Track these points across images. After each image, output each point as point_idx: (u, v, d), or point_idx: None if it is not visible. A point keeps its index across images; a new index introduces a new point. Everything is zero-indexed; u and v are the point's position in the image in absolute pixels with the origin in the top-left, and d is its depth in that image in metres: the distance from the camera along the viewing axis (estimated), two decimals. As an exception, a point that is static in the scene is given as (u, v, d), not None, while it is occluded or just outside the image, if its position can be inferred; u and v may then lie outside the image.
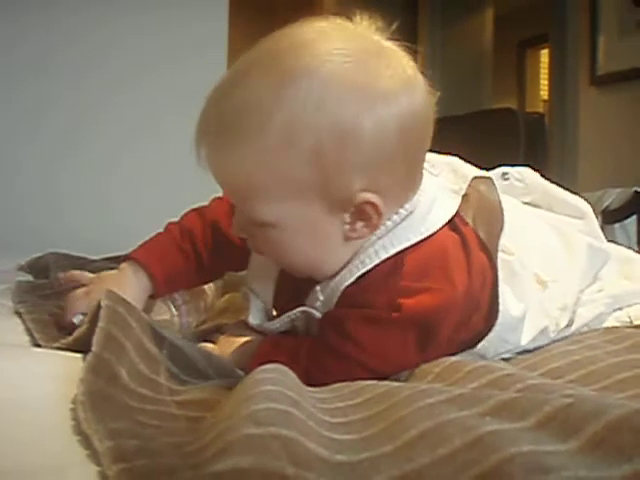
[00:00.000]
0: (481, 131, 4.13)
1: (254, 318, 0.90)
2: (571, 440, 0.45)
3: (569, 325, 0.95)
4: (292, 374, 0.63)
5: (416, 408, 0.54)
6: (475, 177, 0.90)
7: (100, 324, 0.65)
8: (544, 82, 5.68)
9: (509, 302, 0.86)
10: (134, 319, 0.68)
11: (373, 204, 0.75)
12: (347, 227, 0.77)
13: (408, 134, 0.75)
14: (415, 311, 0.78)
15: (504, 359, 0.88)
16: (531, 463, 0.40)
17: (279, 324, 0.87)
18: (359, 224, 0.77)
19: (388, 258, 0.79)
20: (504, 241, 0.87)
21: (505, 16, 5.39)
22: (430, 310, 0.78)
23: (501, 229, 0.87)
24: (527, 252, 0.92)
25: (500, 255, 0.86)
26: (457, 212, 0.86)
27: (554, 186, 1.09)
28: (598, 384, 0.72)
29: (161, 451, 0.44)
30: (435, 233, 0.81)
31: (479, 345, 0.85)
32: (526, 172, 1.08)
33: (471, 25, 5.35)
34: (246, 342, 0.87)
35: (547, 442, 0.45)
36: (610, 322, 1.02)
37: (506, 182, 1.05)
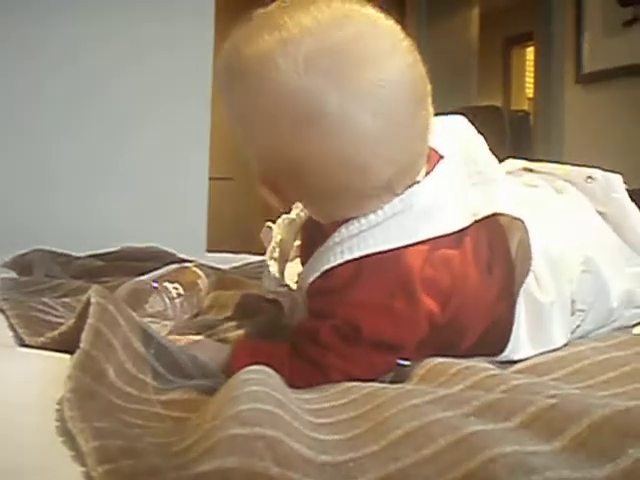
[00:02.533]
0: (467, 129, 4.13)
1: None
2: (555, 440, 0.45)
3: None
4: (277, 375, 0.63)
5: (401, 409, 0.54)
6: (499, 214, 0.83)
7: (89, 321, 0.64)
8: (529, 80, 5.70)
9: (521, 346, 0.83)
10: (123, 317, 0.68)
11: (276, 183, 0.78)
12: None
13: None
14: (375, 336, 0.76)
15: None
16: (515, 463, 0.41)
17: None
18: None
19: (352, 260, 0.77)
20: (545, 274, 0.85)
21: (490, 14, 5.40)
22: (389, 335, 0.77)
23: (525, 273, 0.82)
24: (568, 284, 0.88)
25: (531, 291, 0.83)
26: (465, 234, 0.81)
27: (636, 215, 1.00)
28: (583, 383, 0.72)
29: (146, 452, 0.44)
30: (408, 246, 0.77)
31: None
32: (614, 182, 1.01)
33: (457, 23, 5.36)
34: (222, 347, 0.84)
35: (531, 442, 0.45)
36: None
37: (589, 185, 1.01)
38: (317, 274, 0.80)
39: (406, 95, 0.75)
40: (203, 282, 1.11)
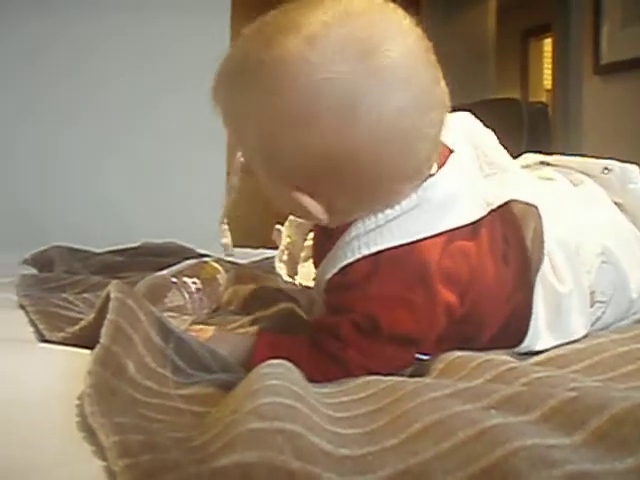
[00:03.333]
0: (484, 121, 4.11)
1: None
2: (575, 433, 0.45)
3: None
4: (296, 369, 0.63)
5: (420, 402, 0.54)
6: (513, 200, 0.84)
7: (109, 316, 0.65)
8: (547, 72, 5.66)
9: (541, 336, 0.84)
10: (143, 312, 0.68)
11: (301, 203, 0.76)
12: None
13: (347, 155, 0.72)
14: (394, 329, 0.77)
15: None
16: (536, 457, 0.40)
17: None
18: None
19: (369, 255, 0.78)
20: (562, 265, 0.85)
21: (508, 6, 5.37)
22: (408, 328, 0.77)
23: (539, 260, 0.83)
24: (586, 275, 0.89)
25: (550, 281, 0.84)
26: (480, 225, 0.82)
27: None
28: (603, 375, 0.72)
29: (166, 446, 0.44)
30: (424, 239, 0.78)
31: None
32: (631, 173, 1.01)
33: (474, 15, 5.33)
34: (240, 341, 0.84)
35: (551, 435, 0.45)
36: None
37: (605, 176, 1.01)
38: (335, 270, 0.80)
39: (424, 69, 0.76)
40: (222, 277, 1.12)
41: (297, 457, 0.41)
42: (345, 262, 0.79)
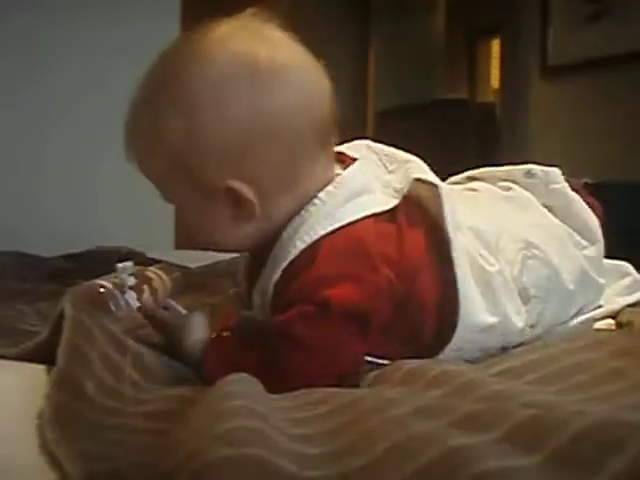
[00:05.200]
0: (433, 121, 4.16)
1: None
2: (536, 453, 0.46)
3: None
4: (256, 382, 0.64)
5: (383, 419, 0.54)
6: (417, 179, 0.89)
7: (65, 335, 0.64)
8: (495, 72, 5.73)
9: (478, 312, 0.87)
10: (98, 328, 0.68)
11: (238, 190, 0.81)
12: (229, 213, 0.83)
13: (273, 128, 0.81)
14: (343, 303, 0.78)
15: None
16: (500, 480, 0.41)
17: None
18: (241, 211, 0.82)
19: (306, 248, 0.81)
20: (485, 252, 0.89)
21: (456, 6, 5.41)
22: (356, 300, 0.79)
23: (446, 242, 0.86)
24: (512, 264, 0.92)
25: (479, 262, 0.88)
26: (397, 210, 0.87)
27: (577, 199, 1.05)
28: (556, 386, 0.73)
29: (133, 476, 0.44)
30: (355, 222, 0.82)
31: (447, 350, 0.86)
32: (554, 175, 1.06)
33: (423, 15, 5.37)
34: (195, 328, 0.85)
35: (513, 455, 0.46)
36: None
37: (529, 180, 1.06)
38: (278, 272, 0.82)
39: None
40: (159, 283, 1.11)
41: (267, 486, 0.41)
42: (286, 262, 0.82)
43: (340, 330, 0.79)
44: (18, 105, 2.16)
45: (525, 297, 0.92)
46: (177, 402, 0.64)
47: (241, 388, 0.59)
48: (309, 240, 0.81)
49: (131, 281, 0.96)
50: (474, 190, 1.06)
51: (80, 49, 2.25)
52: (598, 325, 1.01)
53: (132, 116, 0.85)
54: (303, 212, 0.83)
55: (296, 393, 0.70)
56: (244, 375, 0.65)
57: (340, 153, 0.92)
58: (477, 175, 1.11)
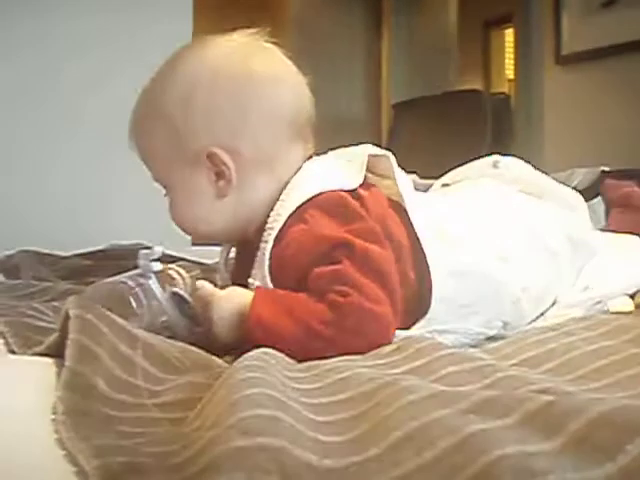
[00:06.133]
0: (448, 113, 4.14)
1: None
2: (555, 438, 0.45)
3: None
4: (274, 362, 0.64)
5: (399, 407, 0.54)
6: (372, 155, 0.95)
7: (71, 336, 0.64)
8: (509, 62, 5.70)
9: (441, 255, 0.90)
10: (105, 324, 0.68)
11: (219, 155, 0.89)
12: (210, 184, 0.91)
13: (261, 109, 0.92)
14: (364, 247, 0.84)
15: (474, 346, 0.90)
16: (518, 466, 0.41)
17: None
18: (221, 182, 0.91)
19: (293, 213, 0.87)
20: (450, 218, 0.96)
21: (469, -4, 5.40)
22: (373, 242, 0.85)
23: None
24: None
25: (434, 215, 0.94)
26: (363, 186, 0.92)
27: (544, 177, 1.12)
28: (574, 373, 0.73)
29: (149, 466, 0.44)
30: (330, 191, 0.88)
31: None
32: (516, 162, 1.14)
33: (435, 7, 5.35)
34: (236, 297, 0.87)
35: (531, 441, 0.45)
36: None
37: (496, 170, 1.11)
38: (271, 243, 0.86)
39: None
40: (178, 271, 1.11)
41: (283, 475, 0.41)
42: (276, 232, 0.87)
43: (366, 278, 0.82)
44: (33, 105, 2.17)
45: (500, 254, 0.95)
46: (192, 390, 0.64)
47: (258, 374, 0.59)
48: (293, 207, 0.87)
49: (157, 267, 0.92)
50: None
51: (91, 51, 2.25)
52: (615, 305, 1.02)
53: (139, 98, 0.96)
54: (283, 197, 0.90)
55: (313, 373, 0.70)
56: (262, 356, 0.65)
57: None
58: (449, 181, 1.17)
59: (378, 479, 0.43)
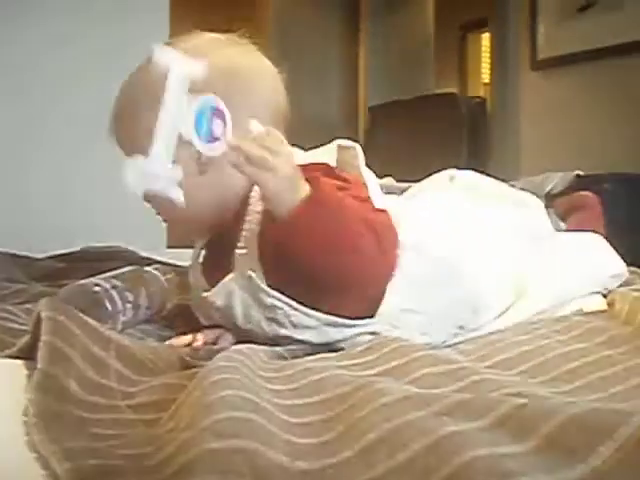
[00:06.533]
0: (424, 116, 4.16)
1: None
2: (527, 440, 0.46)
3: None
4: (249, 362, 0.64)
5: (373, 409, 0.54)
6: (340, 146, 0.98)
7: (43, 337, 0.64)
8: (486, 66, 5.73)
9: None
10: (77, 326, 0.67)
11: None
12: (195, 160, 0.91)
13: (244, 88, 0.96)
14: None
15: (450, 346, 0.91)
16: (490, 467, 0.41)
17: (216, 297, 0.93)
18: (203, 158, 0.92)
19: None
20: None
21: (446, 0, 5.42)
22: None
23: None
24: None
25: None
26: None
27: (500, 184, 1.19)
28: (547, 375, 0.74)
29: (122, 469, 0.44)
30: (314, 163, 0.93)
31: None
32: (472, 174, 1.21)
33: (412, 10, 5.37)
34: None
35: (504, 443, 0.46)
36: (561, 312, 1.04)
37: (453, 183, 1.18)
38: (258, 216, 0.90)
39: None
40: (156, 284, 1.11)
41: (256, 478, 0.41)
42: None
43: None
44: (7, 104, 2.15)
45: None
46: (166, 391, 0.64)
47: (232, 374, 0.58)
48: None
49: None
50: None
51: (68, 50, 2.23)
52: (588, 305, 1.03)
53: (125, 88, 0.98)
54: None
55: (287, 373, 0.70)
56: (236, 355, 0.65)
57: None
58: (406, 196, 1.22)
59: (352, 481, 0.44)
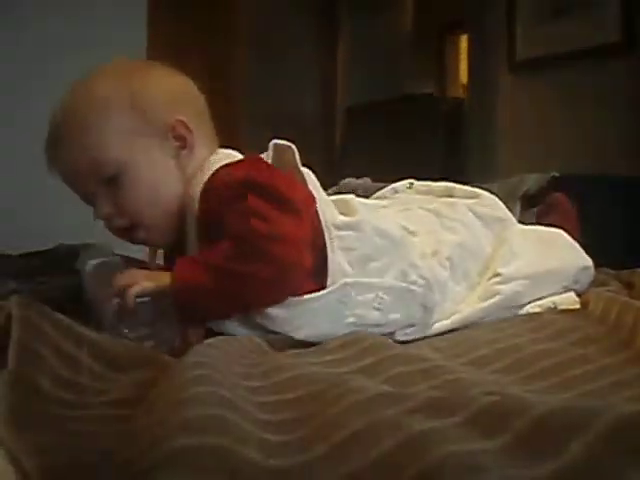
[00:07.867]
0: (402, 116, 4.16)
1: None
2: (498, 437, 0.46)
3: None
4: (224, 357, 0.63)
5: (346, 406, 0.54)
6: (276, 144, 1.01)
7: (14, 336, 0.63)
8: (464, 67, 5.75)
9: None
10: (49, 323, 0.67)
11: (182, 121, 1.02)
12: (174, 147, 1.02)
13: (185, 99, 1.07)
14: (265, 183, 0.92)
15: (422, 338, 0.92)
16: (462, 463, 0.41)
17: None
18: (183, 151, 1.02)
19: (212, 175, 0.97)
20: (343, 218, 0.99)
21: (424, 1, 5.43)
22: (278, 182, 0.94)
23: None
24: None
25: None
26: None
27: (453, 184, 1.26)
28: (522, 373, 0.74)
29: (93, 465, 0.44)
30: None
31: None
32: (428, 182, 1.29)
33: (390, 10, 5.38)
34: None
35: (475, 439, 0.46)
36: (533, 309, 1.05)
37: (409, 189, 1.27)
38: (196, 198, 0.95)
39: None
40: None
41: (228, 475, 0.41)
42: (200, 185, 0.96)
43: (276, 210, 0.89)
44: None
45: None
46: (138, 388, 0.64)
47: (206, 370, 0.58)
48: (209, 173, 0.97)
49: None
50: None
51: (43, 61, 2.22)
52: (562, 303, 1.05)
53: (69, 104, 1.05)
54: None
55: (263, 370, 0.69)
56: (212, 350, 0.65)
57: None
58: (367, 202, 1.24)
59: (324, 478, 0.43)
